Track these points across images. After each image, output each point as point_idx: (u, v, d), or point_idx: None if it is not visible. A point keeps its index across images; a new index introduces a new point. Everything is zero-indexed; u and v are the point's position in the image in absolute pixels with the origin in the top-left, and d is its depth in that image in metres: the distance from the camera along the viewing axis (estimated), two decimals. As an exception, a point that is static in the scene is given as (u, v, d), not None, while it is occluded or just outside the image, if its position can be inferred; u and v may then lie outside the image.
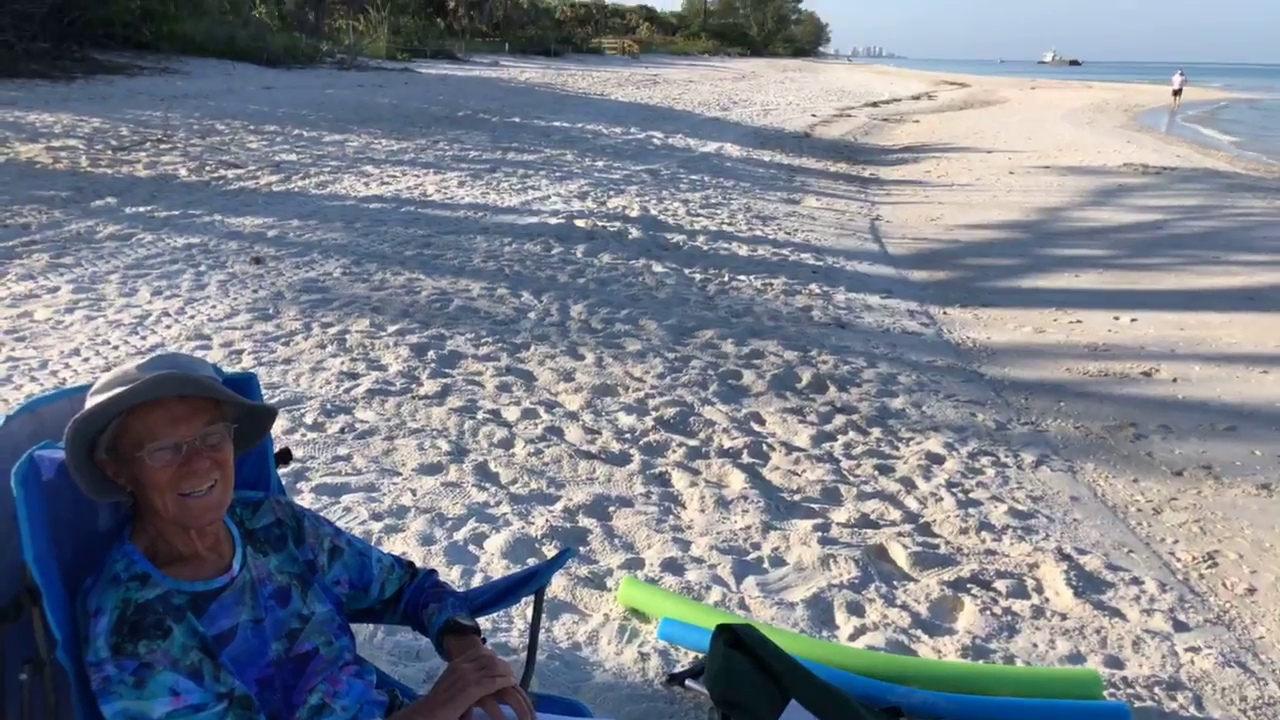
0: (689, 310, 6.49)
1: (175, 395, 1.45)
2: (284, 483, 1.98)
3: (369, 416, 4.29)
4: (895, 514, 3.76)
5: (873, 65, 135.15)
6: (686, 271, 7.60)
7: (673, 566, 3.23)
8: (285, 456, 1.91)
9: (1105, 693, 2.67)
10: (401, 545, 3.22)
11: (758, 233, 9.57)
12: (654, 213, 9.97)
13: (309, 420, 4.18)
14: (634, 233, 8.82)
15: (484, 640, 1.72)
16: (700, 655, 2.65)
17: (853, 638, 2.91)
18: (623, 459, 4.08)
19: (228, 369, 1.77)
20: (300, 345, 5.17)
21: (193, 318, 5.53)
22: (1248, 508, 4.14)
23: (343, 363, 4.94)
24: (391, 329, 5.53)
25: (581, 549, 3.31)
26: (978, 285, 8.25)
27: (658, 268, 7.62)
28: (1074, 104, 39.72)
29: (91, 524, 1.54)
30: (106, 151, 10.80)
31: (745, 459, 4.17)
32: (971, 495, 3.99)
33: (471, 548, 3.25)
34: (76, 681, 1.39)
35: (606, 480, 3.87)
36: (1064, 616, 3.10)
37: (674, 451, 4.19)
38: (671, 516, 3.61)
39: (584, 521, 3.50)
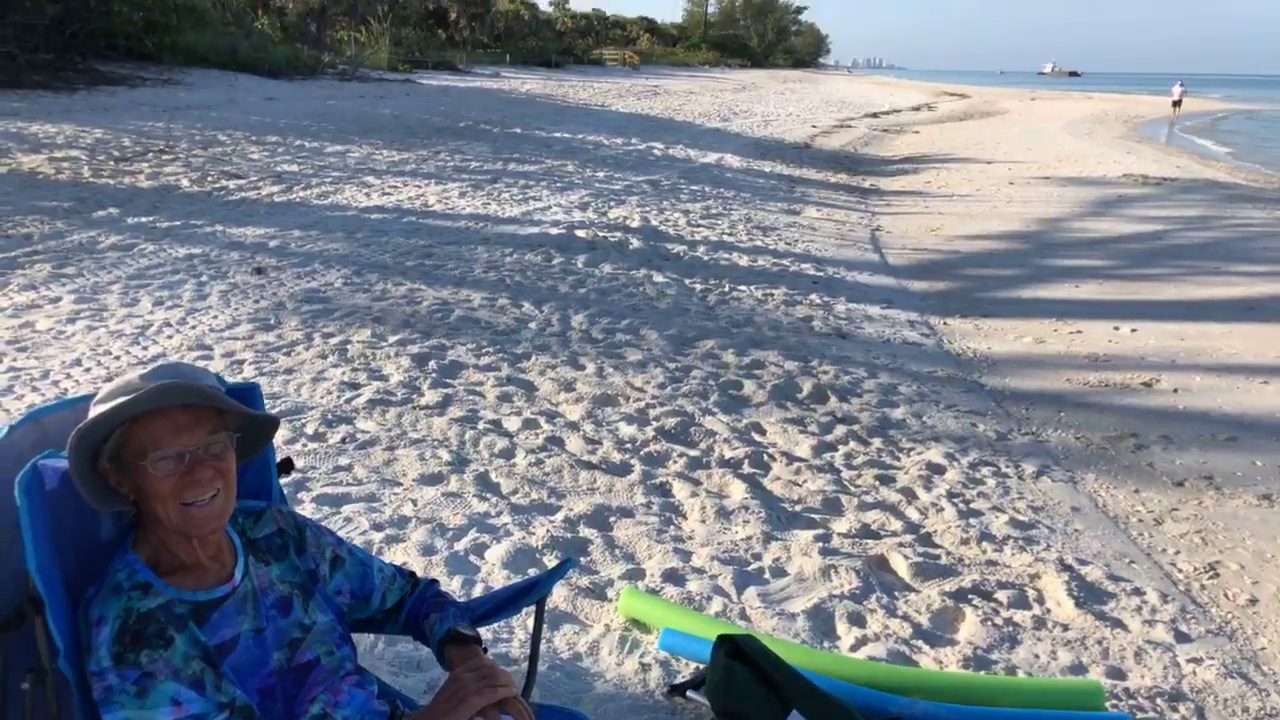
0: (690, 320, 6.49)
1: (178, 404, 1.45)
2: (285, 493, 1.98)
3: (370, 426, 4.29)
4: (896, 524, 3.76)
5: (873, 76, 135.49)
6: (687, 282, 7.61)
7: (673, 577, 3.23)
8: (287, 466, 1.91)
9: (1107, 704, 2.66)
10: (402, 555, 3.22)
11: (758, 243, 9.59)
12: (655, 223, 9.99)
13: (310, 430, 4.19)
14: (635, 243, 8.84)
15: (485, 650, 1.72)
16: (701, 666, 2.65)
17: (854, 648, 2.91)
18: (623, 469, 4.08)
19: (229, 379, 1.78)
20: (302, 355, 5.18)
21: (194, 328, 5.53)
22: (1249, 518, 4.13)
23: (344, 373, 4.94)
24: (393, 339, 5.53)
25: (582, 559, 3.31)
26: (978, 296, 8.26)
27: (658, 278, 7.63)
28: (1074, 115, 39.81)
29: (94, 533, 1.54)
30: (109, 162, 10.83)
31: (746, 469, 4.17)
32: (972, 505, 3.99)
33: (472, 558, 3.25)
34: (78, 691, 1.39)
35: (607, 490, 3.87)
36: (1065, 627, 3.10)
37: (675, 462, 4.19)
38: (672, 527, 3.61)
39: (585, 532, 3.50)
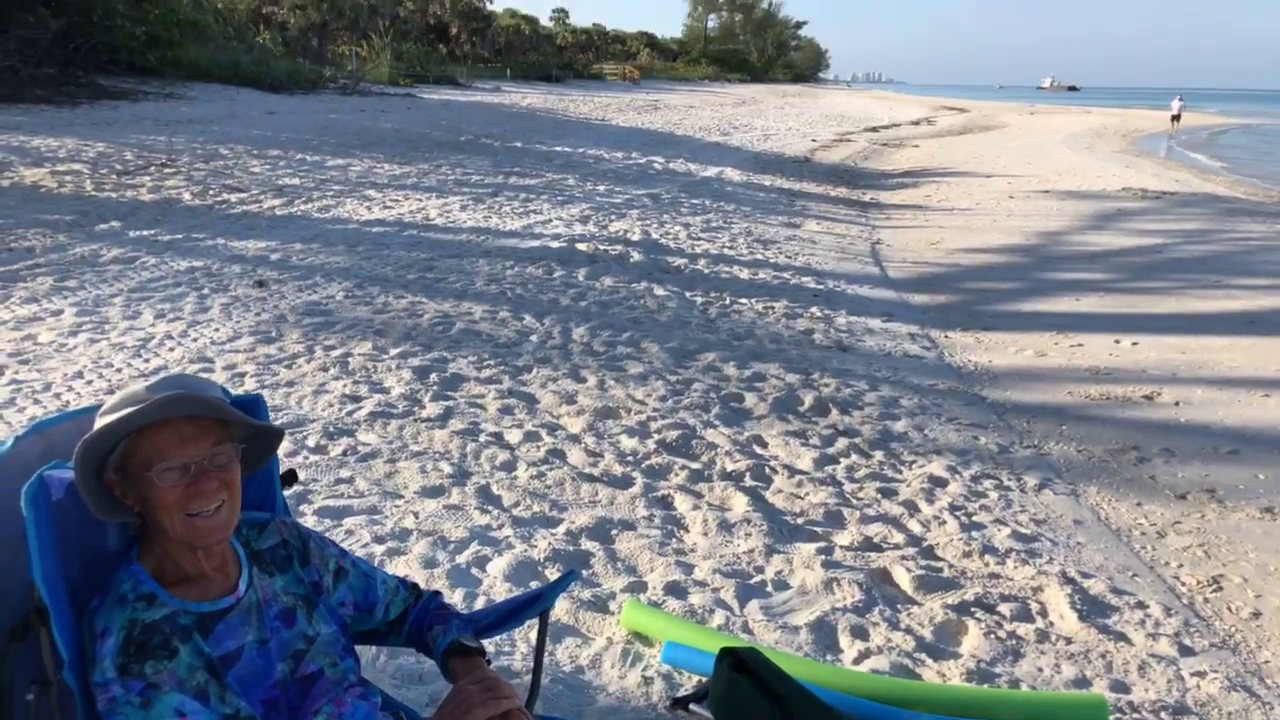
0: (690, 333, 6.50)
1: (184, 416, 1.46)
2: (288, 505, 1.98)
3: (371, 439, 4.29)
4: (898, 537, 3.75)
5: (872, 90, 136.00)
6: (688, 295, 7.62)
7: (676, 590, 3.22)
8: (291, 478, 1.92)
9: (1111, 717, 2.65)
10: (404, 568, 3.21)
11: (758, 256, 9.61)
12: (655, 236, 10.01)
13: (311, 443, 4.19)
14: (635, 256, 8.86)
15: (489, 662, 1.72)
16: (704, 679, 2.64)
17: (857, 661, 2.90)
18: (625, 482, 4.08)
19: (232, 391, 1.78)
20: (303, 368, 5.18)
21: (196, 340, 5.54)
22: (1252, 531, 4.13)
23: (345, 385, 4.94)
24: (394, 352, 5.54)
25: (584, 572, 3.30)
26: (979, 309, 8.27)
27: (659, 291, 7.64)
28: (1073, 129, 39.94)
29: (99, 544, 1.54)
30: (111, 176, 10.86)
31: (748, 482, 4.17)
32: (975, 518, 3.98)
33: (474, 570, 3.24)
34: (83, 702, 1.38)
35: (609, 503, 3.87)
36: (1069, 640, 3.09)
37: (676, 474, 4.19)
38: (674, 539, 3.60)
39: (586, 544, 3.49)
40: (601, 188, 13.53)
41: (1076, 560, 3.68)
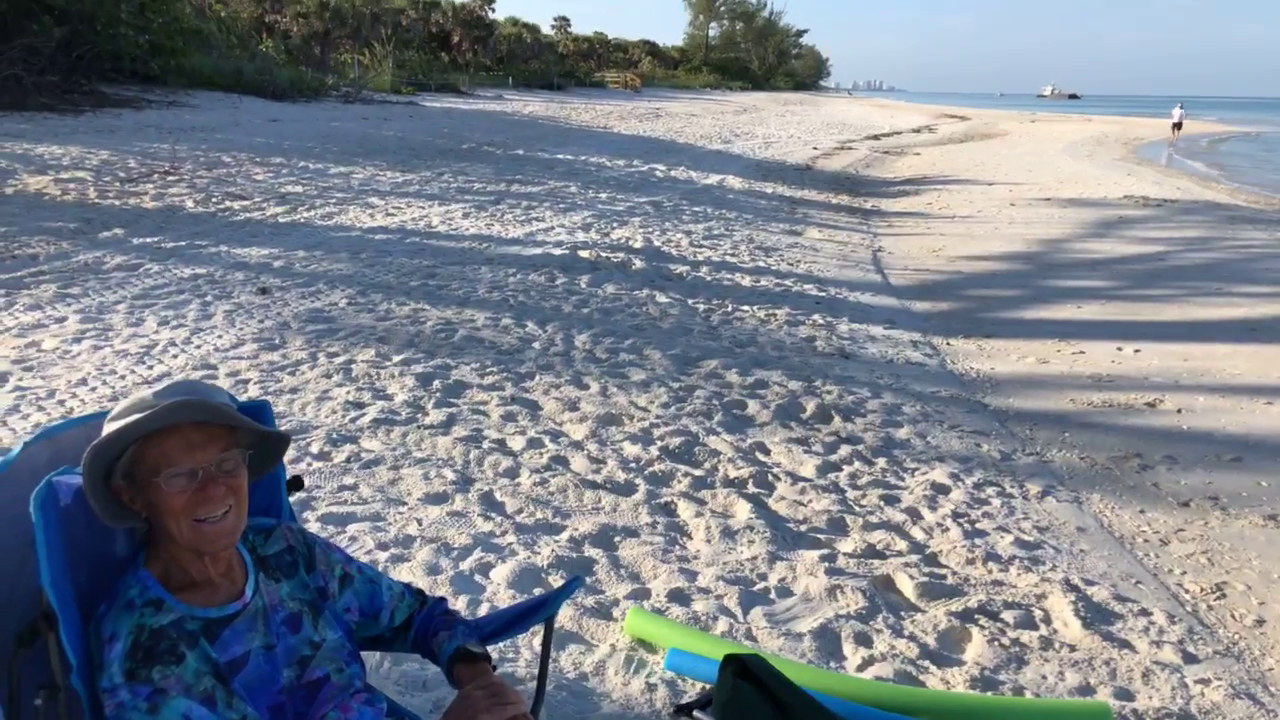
0: (693, 340, 6.51)
1: (192, 422, 1.46)
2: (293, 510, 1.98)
3: (375, 446, 4.30)
4: (902, 544, 3.75)
5: (873, 98, 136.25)
6: (690, 302, 7.63)
7: (679, 597, 3.22)
8: (297, 484, 1.92)
9: (1115, 724, 2.65)
10: (408, 575, 3.21)
11: (760, 264, 9.62)
12: (657, 244, 10.02)
13: (315, 449, 4.19)
14: (638, 263, 8.87)
15: (494, 668, 1.72)
16: (708, 686, 2.64)
17: (861, 668, 2.90)
18: (628, 489, 4.08)
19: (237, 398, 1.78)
20: (306, 375, 5.19)
21: (199, 347, 5.55)
22: (1255, 539, 4.13)
23: (348, 392, 4.95)
24: (397, 359, 5.55)
25: (588, 579, 3.30)
26: (980, 316, 8.27)
27: (661, 298, 7.65)
28: (1074, 137, 39.99)
29: (106, 550, 1.54)
30: (114, 183, 10.89)
31: (751, 489, 4.17)
32: (978, 525, 3.98)
33: (478, 577, 3.25)
34: (90, 707, 1.39)
35: (612, 510, 3.87)
36: (1073, 648, 3.09)
37: (679, 481, 4.19)
38: (677, 546, 3.61)
39: (590, 551, 3.50)
40: (603, 195, 13.55)
41: (1080, 567, 3.68)
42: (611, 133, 26.09)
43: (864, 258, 10.90)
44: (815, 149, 27.30)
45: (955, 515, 4.05)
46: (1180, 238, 12.64)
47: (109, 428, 1.45)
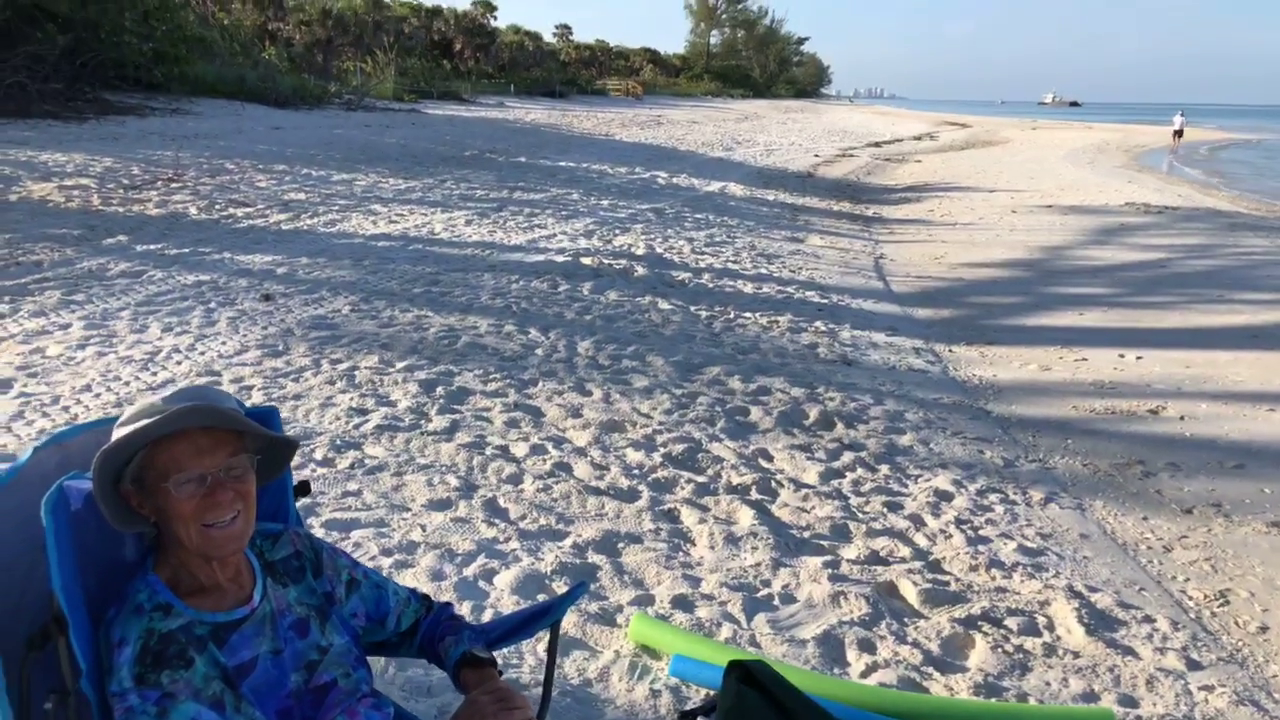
0: (695, 347, 6.51)
1: (200, 427, 1.47)
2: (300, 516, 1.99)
3: (378, 452, 4.30)
4: (905, 551, 3.75)
5: (874, 106, 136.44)
6: (692, 308, 7.64)
7: (683, 603, 3.22)
8: (304, 489, 1.93)
9: (1120, 731, 2.65)
10: (412, 580, 3.21)
11: (762, 270, 9.63)
12: (659, 251, 10.04)
13: (319, 456, 4.20)
14: (640, 270, 8.88)
15: (501, 673, 1.72)
16: (712, 692, 2.64)
17: (864, 675, 2.90)
18: (631, 495, 4.09)
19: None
20: (310, 381, 5.20)
21: (203, 354, 5.56)
22: (1258, 545, 4.12)
23: (352, 399, 4.96)
24: (400, 365, 5.55)
25: (591, 585, 3.31)
26: (983, 323, 8.28)
27: (664, 305, 7.66)
28: (1075, 144, 40.04)
29: (115, 554, 1.55)
30: (118, 190, 10.91)
31: (754, 495, 4.17)
32: (981, 532, 3.98)
33: (481, 583, 3.25)
34: (99, 711, 1.39)
35: (615, 516, 3.87)
36: (1076, 654, 3.08)
37: (682, 488, 4.19)
38: (681, 553, 3.61)
39: (593, 558, 3.50)
40: (605, 202, 13.57)
41: (1083, 574, 3.68)
42: (613, 140, 26.13)
43: (866, 265, 10.92)
44: (816, 156, 27.35)
45: (958, 522, 4.05)
46: (1182, 245, 12.65)
47: (118, 433, 1.46)
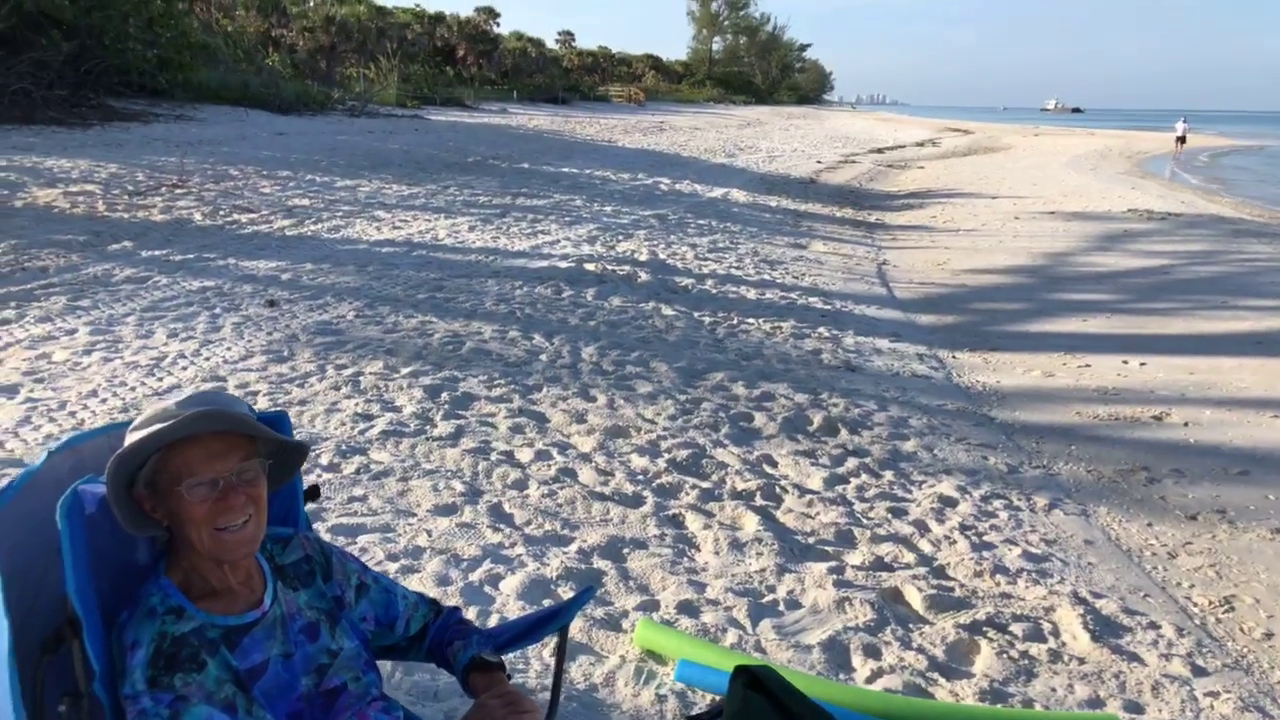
0: (699, 353, 6.52)
1: (213, 431, 1.48)
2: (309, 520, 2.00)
3: (384, 457, 4.31)
4: (909, 557, 3.75)
5: (876, 112, 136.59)
6: (696, 314, 7.65)
7: (688, 609, 3.23)
8: (314, 493, 1.94)
9: (1125, 737, 2.65)
10: (418, 586, 3.22)
11: (765, 276, 9.65)
12: (663, 257, 10.06)
13: (325, 461, 4.21)
14: (643, 276, 8.90)
15: (509, 678, 1.73)
16: (718, 698, 2.64)
17: (870, 680, 2.90)
18: (636, 501, 4.09)
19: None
20: (315, 387, 5.21)
21: (208, 359, 5.57)
22: (1263, 552, 4.12)
23: (357, 404, 4.97)
24: (405, 371, 5.57)
25: (597, 590, 3.31)
26: (986, 329, 8.28)
27: (667, 310, 7.67)
28: (1078, 151, 40.06)
29: (128, 557, 1.56)
30: (123, 196, 10.94)
31: (758, 501, 4.18)
32: (985, 538, 3.98)
33: (487, 588, 3.26)
34: (113, 714, 1.40)
35: (620, 522, 3.88)
36: (1082, 660, 3.09)
37: (687, 493, 4.20)
38: (686, 558, 3.61)
39: (599, 563, 3.50)
40: (608, 208, 13.60)
41: (1088, 580, 3.68)
42: (616, 146, 26.17)
43: (869, 271, 10.93)
44: (819, 163, 27.38)
45: (963, 528, 4.06)
46: (1185, 251, 12.65)
47: (131, 437, 1.47)
